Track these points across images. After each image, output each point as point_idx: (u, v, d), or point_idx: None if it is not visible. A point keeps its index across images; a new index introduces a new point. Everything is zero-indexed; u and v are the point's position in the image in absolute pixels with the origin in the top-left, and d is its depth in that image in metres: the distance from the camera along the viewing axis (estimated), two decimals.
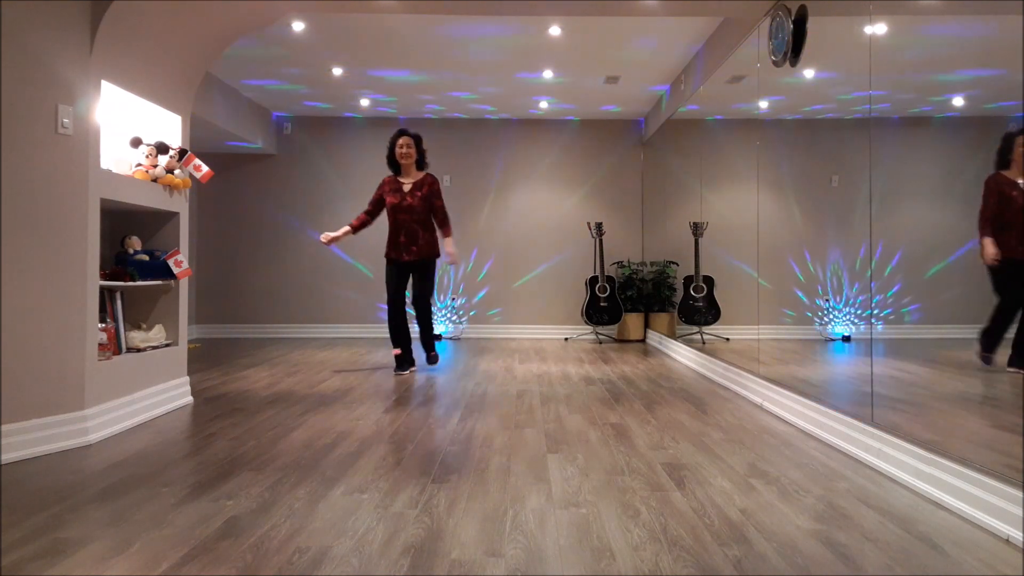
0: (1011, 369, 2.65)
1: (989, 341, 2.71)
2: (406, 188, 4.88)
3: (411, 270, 4.92)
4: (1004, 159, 2.56)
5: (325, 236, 4.92)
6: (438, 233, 4.97)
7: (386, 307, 4.99)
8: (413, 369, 5.07)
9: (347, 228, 4.98)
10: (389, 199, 4.88)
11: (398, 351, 4.97)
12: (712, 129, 5.36)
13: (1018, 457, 2.04)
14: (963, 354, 2.82)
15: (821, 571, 1.72)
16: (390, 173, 5.05)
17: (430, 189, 4.89)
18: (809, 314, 3.83)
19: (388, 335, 7.66)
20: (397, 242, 4.86)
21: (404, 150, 4.86)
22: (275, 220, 7.83)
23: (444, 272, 7.81)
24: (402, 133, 4.92)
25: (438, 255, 4.97)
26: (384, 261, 5.01)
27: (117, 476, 2.51)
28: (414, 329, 6.21)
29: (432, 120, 7.77)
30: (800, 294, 3.89)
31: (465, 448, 2.91)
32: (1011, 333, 2.64)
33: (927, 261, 2.85)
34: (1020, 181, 2.55)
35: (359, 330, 7.80)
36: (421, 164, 4.97)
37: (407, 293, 4.99)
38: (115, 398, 3.24)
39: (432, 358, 5.13)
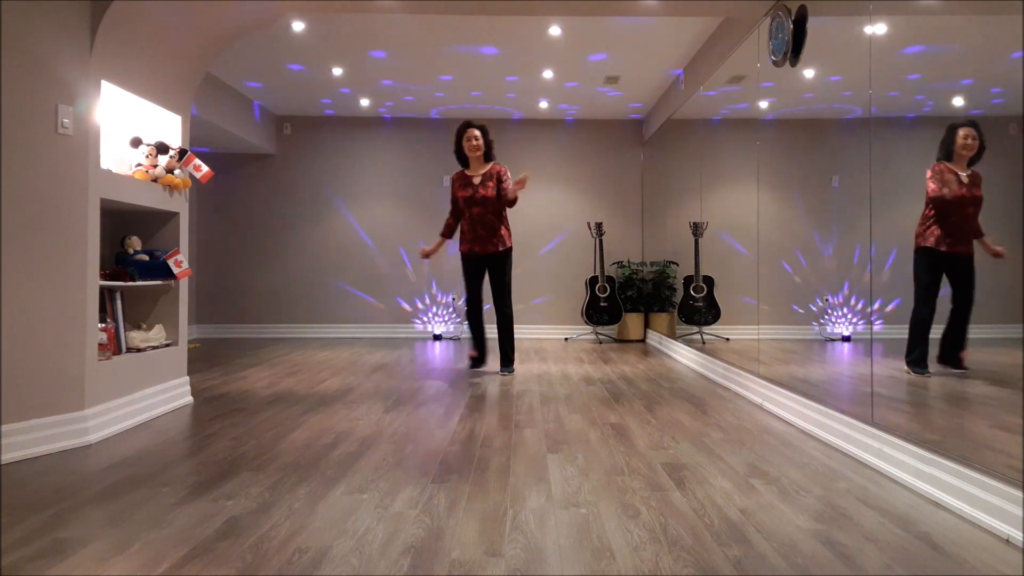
0: (939, 365, 2.69)
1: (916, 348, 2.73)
2: (476, 180, 4.78)
3: (488, 264, 4.83)
4: (948, 152, 2.60)
5: (423, 252, 4.92)
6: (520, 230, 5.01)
7: (466, 307, 5.00)
8: (484, 367, 5.09)
9: (440, 240, 4.94)
10: (460, 194, 4.79)
11: (475, 353, 4.98)
12: (712, 129, 5.36)
13: (1018, 457, 2.04)
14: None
15: (821, 571, 1.72)
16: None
17: (499, 177, 4.79)
18: (809, 312, 3.83)
19: (387, 336, 7.71)
20: (476, 235, 4.77)
21: (473, 142, 4.76)
22: (275, 220, 7.83)
23: (446, 269, 7.82)
24: (469, 125, 4.82)
25: (511, 248, 4.88)
26: (460, 256, 4.94)
27: (117, 476, 2.51)
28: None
29: (432, 120, 7.77)
30: (800, 294, 3.89)
31: (465, 448, 2.91)
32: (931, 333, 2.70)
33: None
34: (961, 173, 2.59)
35: (359, 330, 7.80)
36: (489, 156, 4.85)
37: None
38: (115, 398, 3.24)
39: (506, 365, 4.95)
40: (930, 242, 2.70)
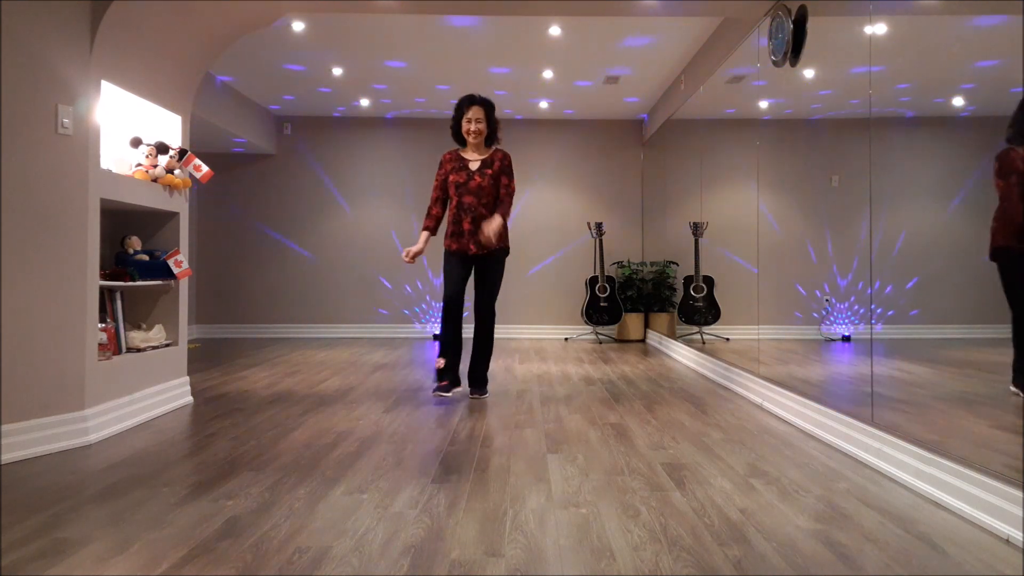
0: (1014, 389, 2.38)
1: None
2: (473, 166, 4.00)
3: (476, 264, 4.04)
4: (1021, 132, 2.19)
5: (407, 253, 3.97)
6: (518, 233, 4.17)
7: (439, 309, 4.12)
8: (458, 389, 4.07)
9: (426, 234, 4.06)
10: (453, 177, 4.01)
11: (442, 363, 4.02)
12: (712, 129, 5.36)
13: (1018, 457, 2.04)
14: (963, 354, 2.82)
15: (821, 571, 1.72)
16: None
17: (501, 165, 4.02)
18: (812, 314, 3.83)
19: (386, 336, 7.71)
20: (461, 230, 3.97)
21: (474, 126, 3.96)
22: (275, 220, 7.83)
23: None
24: (471, 101, 4.00)
25: (507, 250, 4.09)
26: (443, 251, 4.10)
27: (117, 476, 2.51)
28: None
29: (432, 120, 7.77)
30: (800, 294, 3.89)
31: (465, 448, 2.91)
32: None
33: (927, 260, 2.85)
34: None
35: (359, 330, 7.80)
36: (492, 140, 4.07)
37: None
38: (115, 398, 3.24)
39: (480, 387, 4.12)
40: (1000, 241, 2.35)
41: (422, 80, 6.33)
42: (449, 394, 3.99)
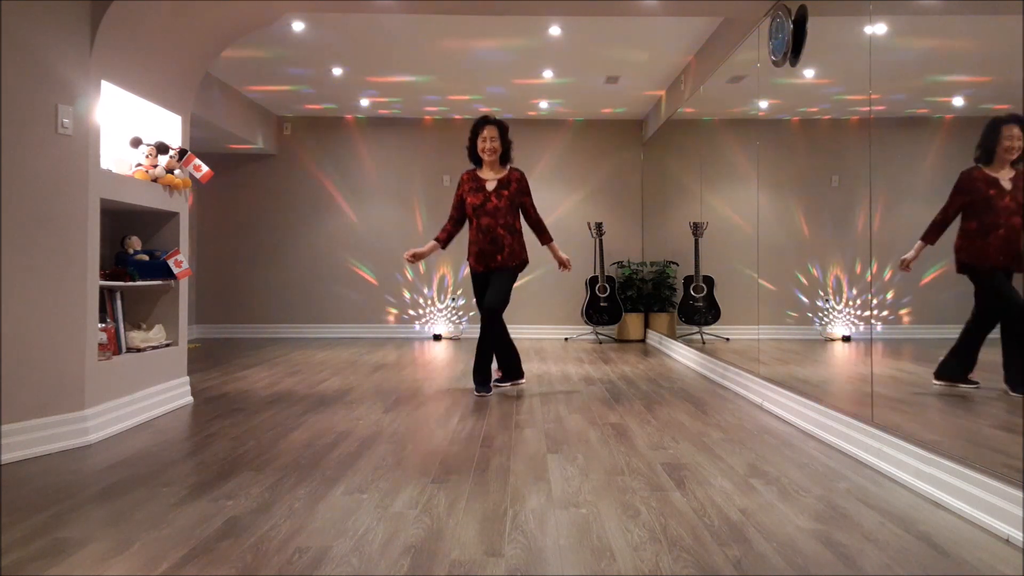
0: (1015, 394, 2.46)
1: (965, 363, 2.53)
2: (490, 187, 4.15)
3: (492, 274, 4.19)
4: (987, 152, 2.26)
5: (409, 253, 4.19)
6: (535, 240, 4.34)
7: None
8: (517, 381, 4.38)
9: (433, 243, 4.22)
10: (470, 199, 4.16)
11: (499, 374, 4.34)
12: (712, 129, 5.36)
13: (1018, 457, 2.04)
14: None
15: (821, 571, 1.72)
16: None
17: (518, 186, 4.18)
18: (809, 315, 3.83)
19: (387, 336, 7.70)
20: (482, 249, 4.14)
21: (489, 144, 4.13)
22: (275, 220, 7.83)
23: (435, 267, 7.82)
24: (486, 122, 4.19)
25: (525, 263, 4.25)
26: (470, 272, 4.31)
27: (117, 476, 2.51)
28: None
29: (432, 120, 7.77)
30: (800, 294, 3.89)
31: (465, 448, 2.91)
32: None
33: (927, 260, 2.85)
34: (1001, 179, 2.26)
35: (359, 330, 7.80)
36: (506, 158, 4.24)
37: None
38: (115, 398, 3.24)
39: (484, 385, 4.20)
40: (963, 257, 2.45)
41: (422, 80, 6.33)
42: (509, 384, 4.34)
